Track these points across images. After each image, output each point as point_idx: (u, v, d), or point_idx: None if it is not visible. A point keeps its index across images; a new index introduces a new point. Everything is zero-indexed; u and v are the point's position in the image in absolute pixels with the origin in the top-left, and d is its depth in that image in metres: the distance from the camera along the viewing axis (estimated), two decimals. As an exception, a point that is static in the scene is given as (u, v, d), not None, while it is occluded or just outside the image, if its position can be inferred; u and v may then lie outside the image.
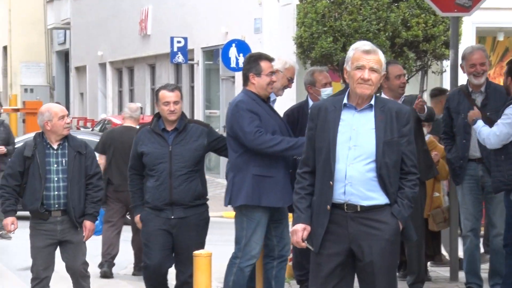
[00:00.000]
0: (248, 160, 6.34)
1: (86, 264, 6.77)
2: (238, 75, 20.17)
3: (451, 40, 8.44)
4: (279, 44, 18.87)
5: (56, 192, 6.56)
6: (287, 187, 6.32)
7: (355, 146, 4.85)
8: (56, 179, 6.56)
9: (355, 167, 4.82)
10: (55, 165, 6.58)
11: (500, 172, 6.64)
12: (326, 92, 7.09)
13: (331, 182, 4.85)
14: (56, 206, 6.58)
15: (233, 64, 18.16)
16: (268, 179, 6.30)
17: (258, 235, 6.35)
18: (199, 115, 23.48)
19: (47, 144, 6.61)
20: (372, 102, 4.92)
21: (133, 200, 6.83)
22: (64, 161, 6.58)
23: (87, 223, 6.67)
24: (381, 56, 4.92)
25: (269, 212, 6.40)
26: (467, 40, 16.12)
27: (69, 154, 6.60)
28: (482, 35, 18.14)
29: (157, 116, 6.81)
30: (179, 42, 22.59)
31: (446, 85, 14.44)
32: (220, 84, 22.38)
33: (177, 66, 24.74)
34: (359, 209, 4.85)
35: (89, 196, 6.64)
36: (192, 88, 24.15)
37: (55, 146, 6.62)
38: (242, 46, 18.19)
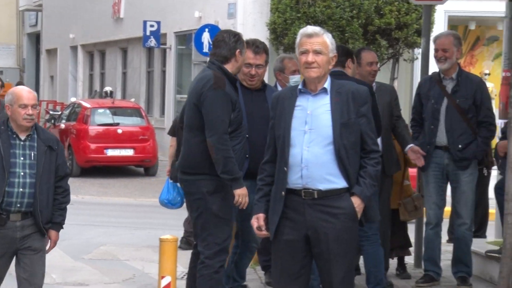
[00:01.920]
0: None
1: (44, 276, 5.76)
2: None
3: (423, 28, 8.47)
4: (253, 29, 18.84)
5: (20, 189, 5.53)
6: None
7: (311, 129, 4.85)
8: (22, 174, 5.55)
9: (312, 150, 4.82)
10: (22, 158, 5.57)
11: None
12: (294, 79, 7.08)
13: (285, 168, 4.86)
14: (18, 206, 5.53)
15: (205, 49, 18.08)
16: None
17: None
18: (170, 100, 23.41)
19: (13, 133, 5.62)
20: (327, 85, 4.93)
21: None
22: (32, 155, 5.59)
23: (53, 234, 5.69)
24: (327, 38, 4.91)
25: None
26: (439, 28, 16.16)
27: (39, 147, 5.62)
28: (454, 24, 18.22)
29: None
30: (152, 26, 22.49)
31: (417, 73, 14.51)
32: (192, 69, 22.30)
33: (149, 50, 24.63)
34: (316, 196, 4.83)
35: (56, 201, 5.69)
36: (163, 72, 24.07)
37: (22, 137, 5.62)
38: (215, 31, 18.11)
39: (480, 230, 9.51)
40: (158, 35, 22.49)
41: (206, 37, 18.07)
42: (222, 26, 19.05)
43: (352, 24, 15.36)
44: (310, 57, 4.88)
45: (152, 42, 22.52)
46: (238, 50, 6.00)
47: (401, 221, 7.65)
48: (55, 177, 5.68)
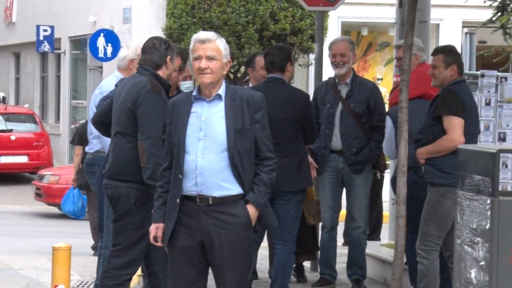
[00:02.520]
0: None
1: None
2: (106, 65, 19.92)
3: (316, 34, 8.59)
4: (148, 34, 18.70)
5: None
6: None
7: (205, 136, 4.85)
8: None
9: (206, 157, 4.82)
10: None
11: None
12: (186, 85, 7.06)
13: (180, 176, 4.86)
14: None
15: (101, 54, 17.90)
16: None
17: None
18: (65, 105, 23.06)
19: None
20: (221, 91, 4.92)
21: None
22: None
23: None
24: (220, 43, 4.90)
25: None
26: (333, 34, 16.44)
27: None
28: (347, 30, 18.54)
29: None
30: (45, 30, 22.13)
31: (313, 78, 14.69)
32: (88, 74, 22.05)
33: (43, 55, 24.22)
34: (211, 202, 4.83)
35: None
36: (58, 78, 23.70)
37: None
38: (110, 36, 17.96)
39: (374, 233, 9.69)
40: (52, 40, 22.15)
41: (101, 42, 17.89)
42: (117, 31, 18.89)
43: (247, 30, 15.46)
44: (203, 63, 4.86)
45: (46, 47, 22.15)
46: (169, 57, 5.98)
47: (309, 225, 7.65)
48: None
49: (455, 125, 6.00)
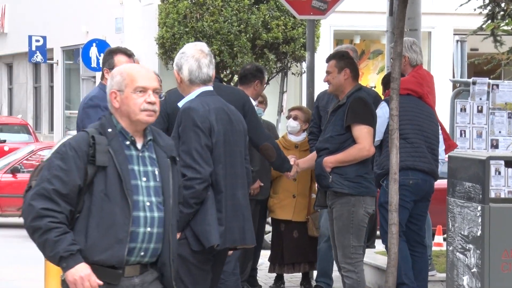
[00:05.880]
0: None
1: None
2: (99, 75, 19.96)
3: (307, 42, 8.60)
4: (141, 44, 18.79)
5: (148, 229, 3.67)
6: None
7: None
8: (148, 204, 3.69)
9: None
10: (144, 179, 3.71)
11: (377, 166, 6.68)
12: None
13: None
14: (142, 254, 3.67)
15: (93, 64, 17.93)
16: None
17: None
18: (58, 116, 23.06)
19: (127, 138, 3.74)
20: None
21: None
22: (156, 172, 3.74)
23: None
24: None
25: None
26: (325, 42, 16.51)
27: (160, 158, 3.77)
28: (340, 38, 18.60)
29: None
30: (37, 41, 22.16)
31: (305, 86, 14.74)
32: (81, 84, 22.08)
33: (36, 65, 24.24)
34: None
35: None
36: (51, 88, 23.71)
37: (139, 145, 3.74)
38: (103, 46, 18.00)
39: (369, 240, 9.68)
40: (45, 50, 22.17)
41: (94, 52, 17.92)
42: (109, 41, 18.92)
43: (240, 39, 15.49)
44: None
45: (38, 57, 22.18)
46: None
47: (310, 236, 7.60)
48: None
49: (365, 134, 5.96)
